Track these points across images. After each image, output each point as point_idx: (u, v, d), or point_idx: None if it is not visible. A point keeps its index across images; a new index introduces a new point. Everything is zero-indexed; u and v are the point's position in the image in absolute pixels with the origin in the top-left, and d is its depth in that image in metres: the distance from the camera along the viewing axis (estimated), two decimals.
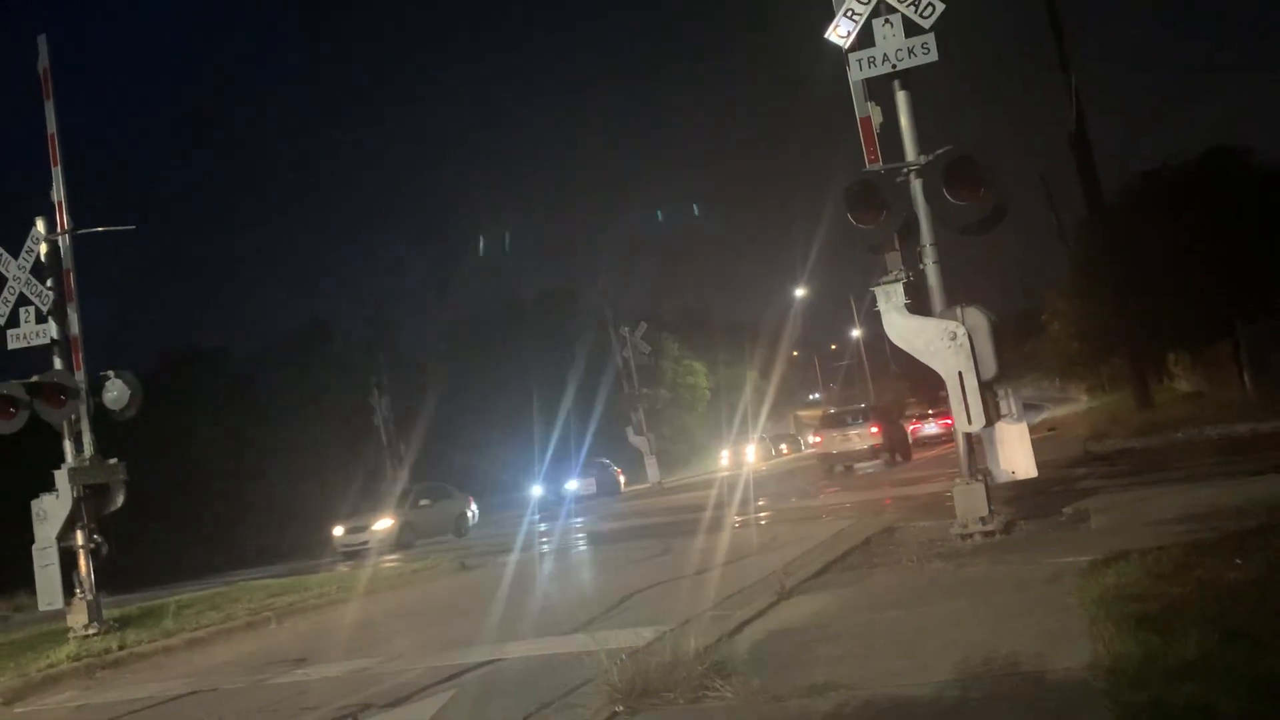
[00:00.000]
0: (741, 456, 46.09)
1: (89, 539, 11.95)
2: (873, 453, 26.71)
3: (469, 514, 26.84)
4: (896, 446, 28.15)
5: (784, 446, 57.85)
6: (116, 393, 12.34)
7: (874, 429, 26.69)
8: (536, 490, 36.91)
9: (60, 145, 12.36)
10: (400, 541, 23.47)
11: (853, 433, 26.77)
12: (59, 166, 12.32)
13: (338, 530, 24.52)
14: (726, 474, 36.66)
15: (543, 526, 24.58)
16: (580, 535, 20.74)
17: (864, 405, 30.57)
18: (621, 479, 40.05)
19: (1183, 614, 4.85)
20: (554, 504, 34.34)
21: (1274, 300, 26.90)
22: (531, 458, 39.83)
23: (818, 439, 29.52)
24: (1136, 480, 12.80)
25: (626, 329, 41.07)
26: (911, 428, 35.75)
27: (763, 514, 17.90)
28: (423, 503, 25.59)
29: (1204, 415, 20.55)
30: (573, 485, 37.11)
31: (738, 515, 18.32)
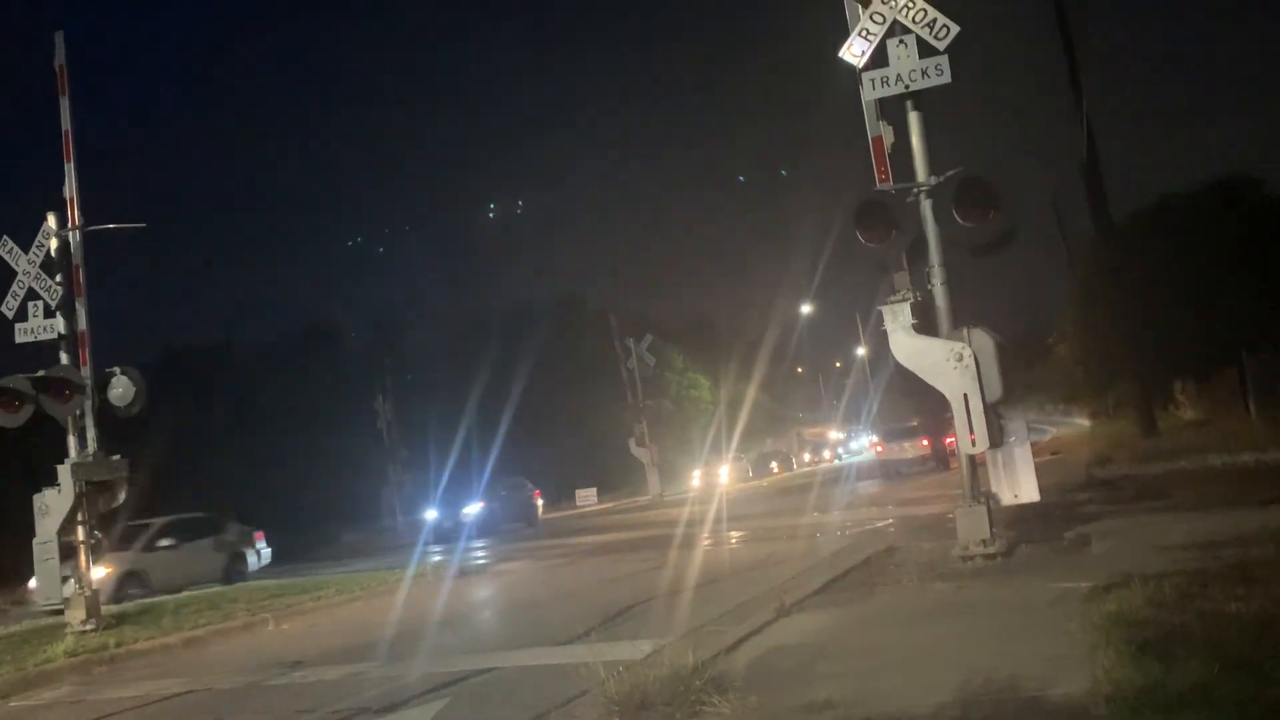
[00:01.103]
0: (714, 477, 43.68)
1: (90, 535, 11.97)
2: (922, 460, 31.89)
3: (251, 555, 21.37)
4: (939, 456, 31.81)
5: (774, 464, 56.20)
6: (122, 389, 12.39)
7: (924, 441, 31.83)
8: (430, 514, 31.16)
9: (74, 142, 12.43)
10: (120, 597, 17.14)
11: (906, 444, 32.38)
12: (72, 163, 12.39)
13: (33, 583, 16.81)
14: (696, 494, 35.73)
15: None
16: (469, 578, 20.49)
17: (916, 423, 34.23)
18: (540, 502, 34.38)
19: (1184, 643, 4.83)
20: (450, 532, 28.91)
21: None
22: (524, 471, 39.05)
23: (879, 448, 35.18)
24: (1139, 506, 12.75)
25: (632, 340, 41.00)
26: (948, 440, 36.32)
27: (758, 532, 17.87)
28: (163, 543, 19.47)
29: (1208, 444, 20.48)
30: (472, 510, 30.52)
31: (728, 534, 18.29)
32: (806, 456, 72.81)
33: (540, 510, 33.93)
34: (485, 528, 29.56)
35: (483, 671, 7.54)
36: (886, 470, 33.11)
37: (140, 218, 13.20)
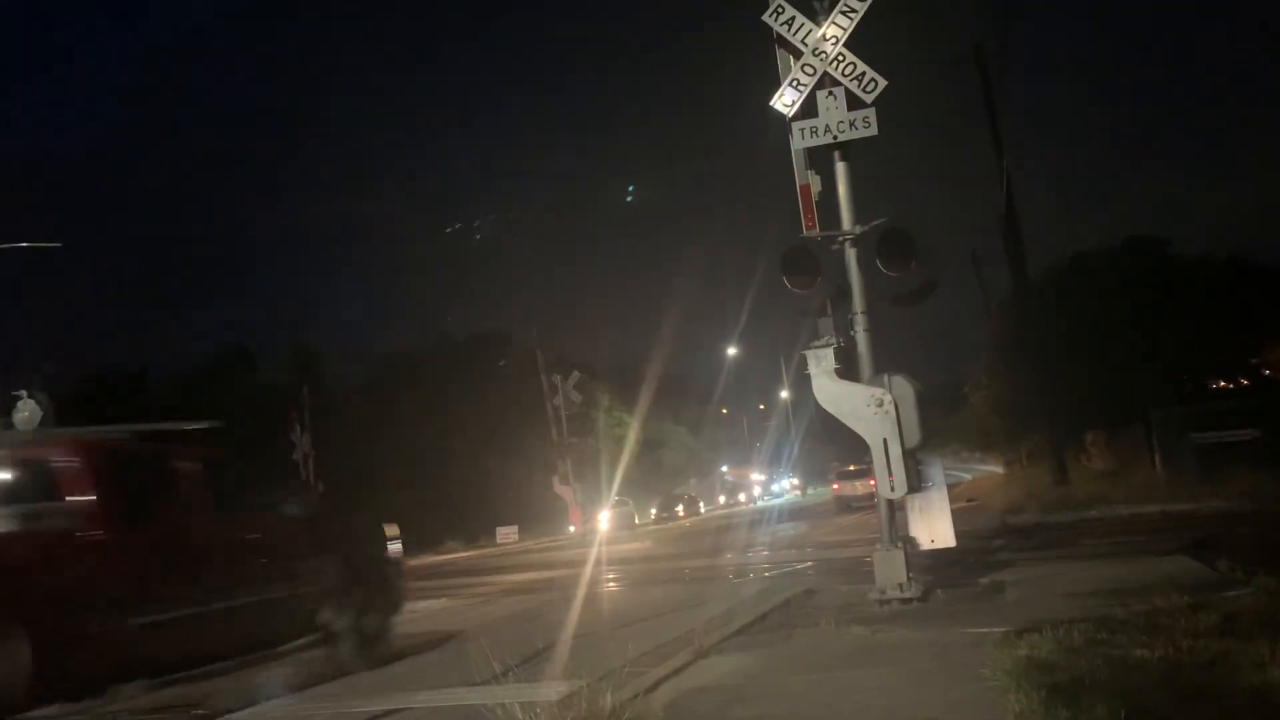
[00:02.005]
0: (594, 524, 40.51)
1: None
2: (869, 497, 35.80)
3: None
4: None
5: (680, 509, 53.59)
6: (28, 413, 11.92)
7: (872, 481, 35.81)
8: None
9: None
10: None
11: (858, 483, 37.16)
12: None
13: None
14: (615, 535, 34.59)
15: None
16: None
17: (862, 467, 37.57)
18: None
19: (1092, 688, 4.94)
20: None
21: (1185, 386, 27.89)
22: (444, 508, 37.73)
23: (836, 486, 40.33)
24: (1051, 554, 13.06)
25: (559, 377, 40.81)
26: None
27: (677, 573, 17.85)
28: None
29: (1116, 494, 21.14)
30: None
31: (648, 575, 18.23)
32: (721, 499, 72.35)
33: None
34: None
35: (395, 711, 7.37)
36: (841, 505, 38.32)
37: (60, 239, 12.83)
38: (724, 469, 79.52)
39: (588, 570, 19.79)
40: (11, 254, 12.13)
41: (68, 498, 6.93)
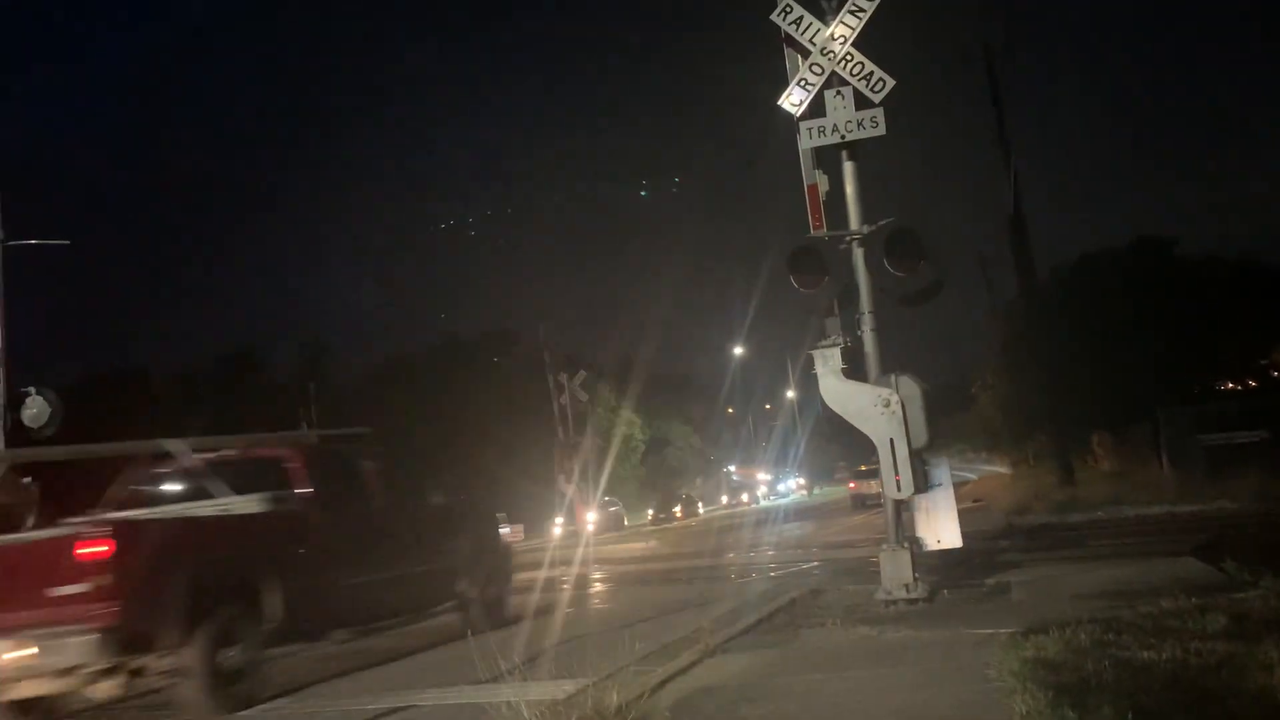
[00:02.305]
0: (581, 524, 36.92)
1: None
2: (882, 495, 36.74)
3: None
4: None
5: (678, 509, 51.67)
6: (36, 410, 11.98)
7: None
8: None
9: None
10: None
11: (874, 481, 36.30)
12: None
13: None
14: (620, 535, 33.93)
15: None
16: None
17: (872, 467, 37.64)
18: None
19: (1098, 690, 4.94)
20: None
21: (1192, 387, 27.87)
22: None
23: (853, 485, 41.35)
24: (1057, 555, 13.04)
25: (565, 375, 40.70)
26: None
27: (685, 572, 17.84)
28: None
29: (1123, 495, 21.11)
30: None
31: (653, 575, 18.22)
32: (724, 499, 71.69)
33: None
34: None
35: (401, 709, 7.38)
36: (857, 503, 38.94)
37: (65, 237, 12.88)
38: (731, 468, 79.27)
39: (591, 570, 19.81)
40: (17, 252, 12.14)
41: (295, 488, 8.73)
